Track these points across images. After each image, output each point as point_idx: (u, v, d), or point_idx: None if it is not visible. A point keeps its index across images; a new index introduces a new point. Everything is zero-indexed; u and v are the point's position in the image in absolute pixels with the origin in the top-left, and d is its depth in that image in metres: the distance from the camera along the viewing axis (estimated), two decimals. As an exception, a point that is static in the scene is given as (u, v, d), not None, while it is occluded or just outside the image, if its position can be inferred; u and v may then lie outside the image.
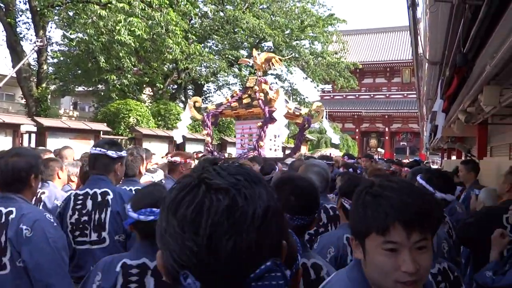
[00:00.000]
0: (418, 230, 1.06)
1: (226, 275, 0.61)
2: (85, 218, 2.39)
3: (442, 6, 2.16)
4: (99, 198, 2.42)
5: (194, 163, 4.25)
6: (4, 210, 2.05)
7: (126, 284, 1.59)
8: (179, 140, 8.72)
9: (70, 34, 14.36)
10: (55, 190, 3.38)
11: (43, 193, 3.53)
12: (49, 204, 3.30)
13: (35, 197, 3.92)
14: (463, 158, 11.23)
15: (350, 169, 5.15)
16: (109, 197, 2.42)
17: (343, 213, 2.39)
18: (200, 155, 9.82)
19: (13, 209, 2.05)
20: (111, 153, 2.50)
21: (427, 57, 3.37)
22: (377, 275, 1.10)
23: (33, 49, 11.15)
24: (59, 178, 3.53)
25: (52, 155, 4.94)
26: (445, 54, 2.94)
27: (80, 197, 2.47)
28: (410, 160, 26.51)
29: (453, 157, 16.48)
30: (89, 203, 2.41)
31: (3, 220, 2.02)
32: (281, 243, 0.68)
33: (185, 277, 0.60)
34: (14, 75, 15.09)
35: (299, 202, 1.65)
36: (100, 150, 2.50)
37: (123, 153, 2.60)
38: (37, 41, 9.64)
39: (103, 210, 2.39)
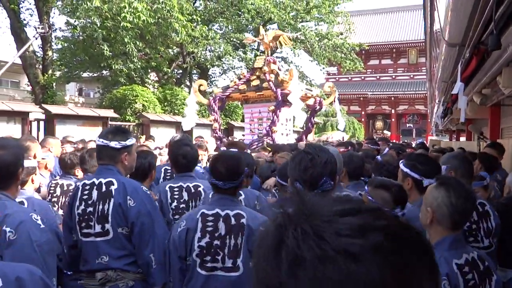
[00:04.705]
0: None
1: (311, 182, 1.75)
2: (90, 209, 2.31)
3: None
4: (104, 188, 2.33)
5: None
6: None
7: None
8: (187, 127, 8.44)
9: (75, 21, 14.20)
10: None
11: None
12: None
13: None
14: (473, 140, 11.15)
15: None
16: (113, 187, 2.32)
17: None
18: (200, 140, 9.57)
19: None
20: (114, 144, 2.38)
21: (446, 39, 3.29)
22: None
23: (34, 36, 11.02)
24: None
25: (36, 144, 4.66)
26: (468, 36, 2.86)
27: (87, 187, 2.37)
28: (417, 142, 26.40)
29: (462, 138, 16.38)
30: (94, 194, 2.33)
31: None
32: (334, 174, 1.87)
33: (296, 183, 1.78)
34: (19, 61, 15.08)
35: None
36: (103, 142, 2.39)
37: (129, 142, 2.43)
38: (39, 27, 9.48)
39: (106, 201, 2.30)
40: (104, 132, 2.45)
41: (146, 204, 2.34)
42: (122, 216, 2.28)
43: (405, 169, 2.57)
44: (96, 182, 2.35)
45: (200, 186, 3.11)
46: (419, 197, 2.51)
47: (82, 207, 2.33)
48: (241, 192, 2.71)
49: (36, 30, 9.54)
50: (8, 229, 1.82)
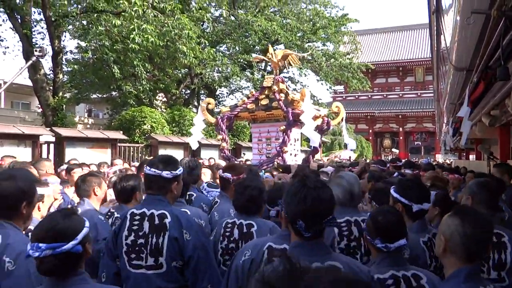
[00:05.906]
0: None
1: (317, 219, 1.62)
2: (142, 240, 2.26)
3: (476, 16, 2.10)
4: (157, 221, 2.28)
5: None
6: None
7: None
8: (194, 146, 8.45)
9: (86, 45, 14.49)
10: (89, 210, 3.09)
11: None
12: None
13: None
14: (482, 159, 11.05)
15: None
16: (167, 220, 2.28)
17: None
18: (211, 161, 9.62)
19: None
20: (166, 173, 2.35)
21: (453, 63, 3.30)
22: None
23: (31, 60, 11.22)
24: (95, 195, 3.34)
25: (48, 164, 4.72)
26: (475, 62, 2.87)
27: (137, 217, 2.31)
28: (424, 160, 26.17)
29: (471, 156, 16.23)
30: (146, 225, 2.27)
31: None
32: (333, 210, 1.71)
33: (299, 221, 1.61)
34: (30, 84, 15.32)
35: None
36: (155, 171, 2.34)
37: (179, 171, 2.42)
38: (36, 50, 9.70)
39: (160, 234, 2.25)
40: (155, 162, 2.41)
41: (201, 237, 2.32)
42: (177, 250, 2.25)
43: (395, 195, 2.59)
44: (147, 213, 2.31)
45: (187, 213, 3.14)
46: (411, 223, 2.51)
47: (132, 237, 2.28)
48: (253, 223, 2.62)
49: (34, 53, 9.77)
50: (7, 260, 1.83)
